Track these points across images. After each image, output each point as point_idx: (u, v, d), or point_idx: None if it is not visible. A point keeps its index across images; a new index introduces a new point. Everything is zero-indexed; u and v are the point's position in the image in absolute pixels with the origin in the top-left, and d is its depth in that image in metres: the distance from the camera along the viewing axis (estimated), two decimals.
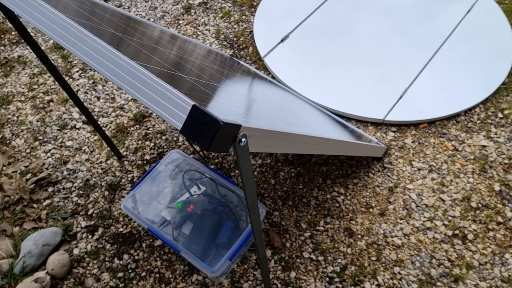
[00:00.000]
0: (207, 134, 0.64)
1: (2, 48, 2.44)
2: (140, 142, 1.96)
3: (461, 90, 2.00)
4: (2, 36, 2.51)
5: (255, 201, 0.89)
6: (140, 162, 1.89)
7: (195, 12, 2.53)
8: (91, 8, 1.28)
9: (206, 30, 2.42)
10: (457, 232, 1.62)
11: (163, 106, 0.70)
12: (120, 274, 1.60)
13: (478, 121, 1.92)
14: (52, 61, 2.31)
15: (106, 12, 1.40)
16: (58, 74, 1.46)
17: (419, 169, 1.79)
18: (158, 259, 1.63)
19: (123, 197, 1.78)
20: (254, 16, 2.45)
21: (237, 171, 1.82)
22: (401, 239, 1.62)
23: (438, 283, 1.51)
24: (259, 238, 1.05)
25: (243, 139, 0.70)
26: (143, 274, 1.60)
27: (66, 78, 2.24)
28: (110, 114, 2.07)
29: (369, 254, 1.60)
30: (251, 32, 2.38)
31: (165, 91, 0.70)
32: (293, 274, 1.57)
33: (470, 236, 1.60)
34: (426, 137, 1.89)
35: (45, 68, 2.27)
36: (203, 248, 1.54)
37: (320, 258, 1.60)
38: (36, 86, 2.22)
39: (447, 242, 1.60)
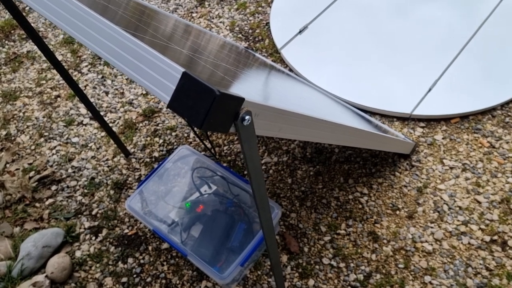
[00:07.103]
0: (199, 107, 0.51)
1: (12, 43, 2.37)
2: (148, 138, 1.85)
3: (497, 81, 1.82)
4: (12, 31, 2.44)
5: (264, 196, 0.76)
6: (148, 160, 1.78)
7: (209, 4, 2.42)
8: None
9: (220, 22, 2.30)
10: (495, 237, 1.45)
11: (149, 76, 0.57)
12: (124, 279, 1.48)
13: None
14: (61, 56, 2.24)
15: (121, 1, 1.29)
16: (62, 68, 1.36)
17: (451, 168, 1.62)
18: (164, 263, 1.51)
19: (129, 196, 1.67)
20: (271, 7, 2.32)
21: None
22: (432, 244, 1.45)
23: None
24: (271, 242, 0.91)
25: (246, 117, 0.56)
26: (149, 279, 1.48)
27: (75, 73, 2.15)
28: (119, 109, 1.97)
29: (396, 261, 1.44)
30: (268, 23, 2.25)
31: (153, 58, 0.57)
32: (311, 282, 1.42)
33: (511, 242, 1.43)
34: (459, 133, 1.72)
35: None
36: (212, 252, 1.41)
37: (342, 264, 1.45)
38: (44, 82, 2.14)
39: (485, 249, 1.43)
